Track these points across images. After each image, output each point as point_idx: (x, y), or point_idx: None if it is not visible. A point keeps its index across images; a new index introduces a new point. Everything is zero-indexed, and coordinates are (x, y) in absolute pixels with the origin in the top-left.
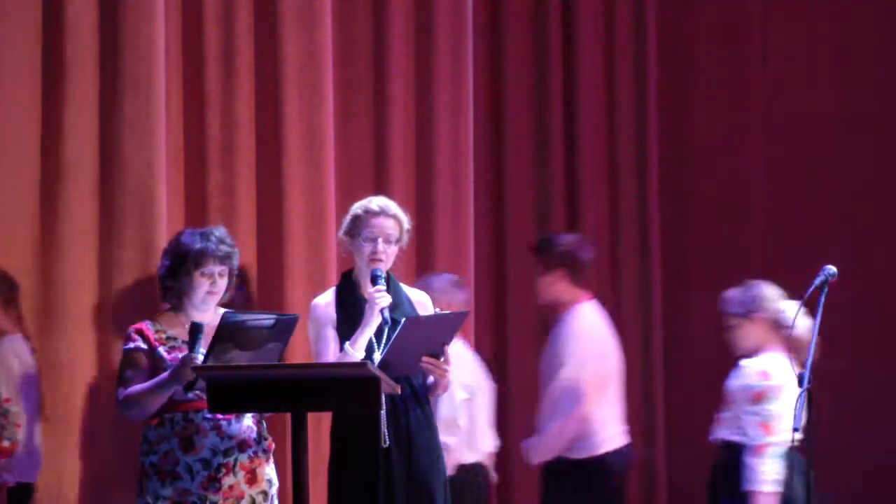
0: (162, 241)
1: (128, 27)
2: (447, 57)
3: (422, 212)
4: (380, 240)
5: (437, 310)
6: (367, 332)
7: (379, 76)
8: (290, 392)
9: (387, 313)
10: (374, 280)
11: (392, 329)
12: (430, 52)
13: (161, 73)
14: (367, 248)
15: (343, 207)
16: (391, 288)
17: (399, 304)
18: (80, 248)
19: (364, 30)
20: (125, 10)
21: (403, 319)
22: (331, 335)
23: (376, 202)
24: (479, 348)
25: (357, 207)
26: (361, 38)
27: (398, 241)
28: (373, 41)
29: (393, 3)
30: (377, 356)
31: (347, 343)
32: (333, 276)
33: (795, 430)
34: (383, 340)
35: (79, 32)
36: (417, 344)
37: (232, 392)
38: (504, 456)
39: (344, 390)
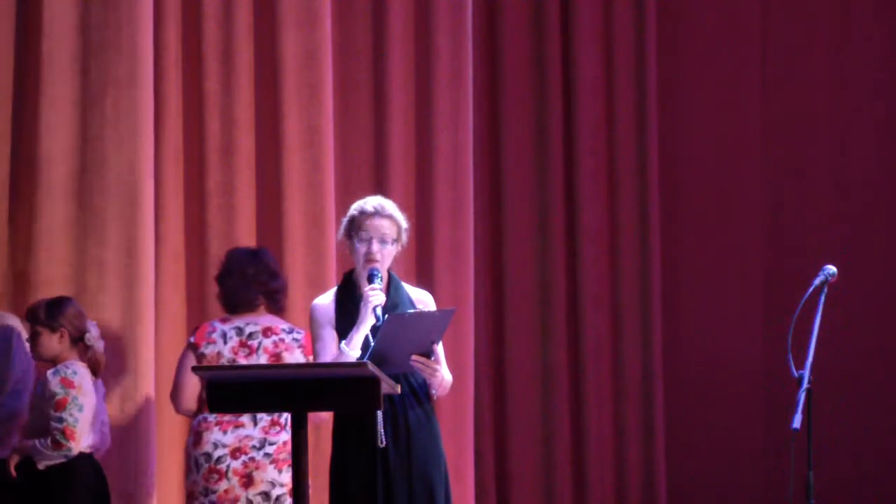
0: (148, 240)
1: (110, 26)
2: (447, 57)
3: (422, 212)
4: (374, 240)
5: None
6: (361, 331)
7: (379, 76)
8: (290, 392)
9: (379, 311)
10: (371, 279)
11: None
12: (430, 53)
13: (148, 73)
14: (363, 249)
15: (343, 207)
16: (392, 288)
17: (400, 303)
18: (52, 246)
19: (364, 30)
20: (107, 9)
21: (386, 316)
22: (329, 335)
23: (371, 203)
24: (478, 348)
25: (353, 209)
26: (361, 38)
27: (395, 240)
28: (372, 41)
29: (392, 3)
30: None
31: (343, 342)
32: (333, 276)
33: (795, 429)
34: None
35: (56, 31)
36: (405, 342)
37: (232, 392)
38: (504, 455)
39: (344, 390)
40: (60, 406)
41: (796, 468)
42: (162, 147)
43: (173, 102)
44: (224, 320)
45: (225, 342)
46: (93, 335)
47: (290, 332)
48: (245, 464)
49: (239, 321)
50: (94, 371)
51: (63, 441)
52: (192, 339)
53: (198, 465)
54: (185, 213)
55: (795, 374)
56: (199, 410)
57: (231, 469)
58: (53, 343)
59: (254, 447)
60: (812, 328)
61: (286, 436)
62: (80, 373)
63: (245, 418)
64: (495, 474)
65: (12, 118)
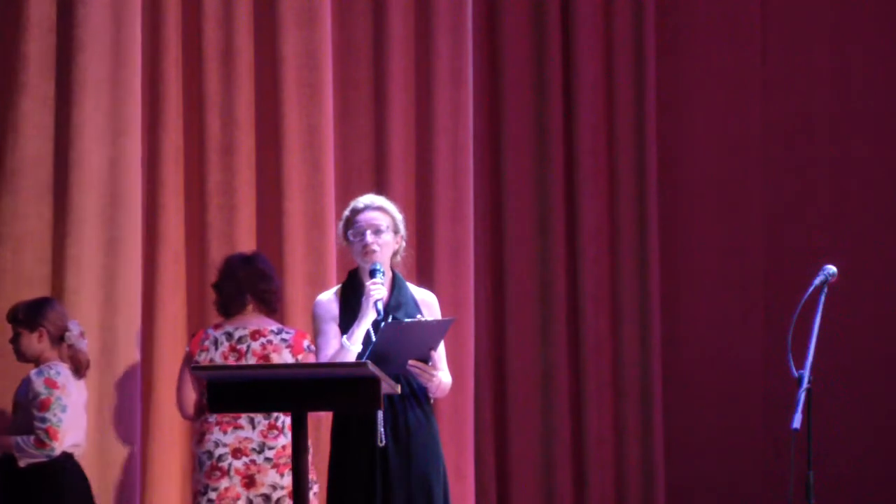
0: (132, 240)
1: (91, 26)
2: (447, 57)
3: (422, 212)
4: (368, 232)
5: (421, 315)
6: (363, 325)
7: (379, 76)
8: (290, 392)
9: (380, 305)
10: (373, 273)
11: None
12: (430, 53)
13: (133, 71)
14: (358, 243)
15: (343, 207)
16: (396, 287)
17: (404, 304)
18: (33, 244)
19: (364, 30)
20: (88, 7)
21: (383, 324)
22: (332, 331)
23: (362, 200)
24: (478, 348)
25: (346, 210)
26: (361, 38)
27: (391, 229)
28: (373, 41)
29: (393, 3)
30: None
31: (344, 337)
32: (333, 276)
33: (795, 429)
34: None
35: (37, 30)
36: (402, 348)
37: (232, 392)
38: (504, 455)
39: (344, 390)
40: (44, 406)
41: (796, 468)
42: (161, 147)
43: (173, 102)
44: (217, 326)
45: (216, 348)
46: (73, 334)
47: (279, 332)
48: (247, 465)
49: (229, 326)
50: (77, 370)
51: (47, 441)
52: (187, 349)
53: (200, 464)
54: (185, 213)
55: (795, 374)
56: (200, 414)
57: (233, 468)
58: (33, 343)
59: (253, 450)
60: (812, 328)
61: (284, 440)
62: (63, 373)
63: (243, 420)
64: (495, 474)
65: None
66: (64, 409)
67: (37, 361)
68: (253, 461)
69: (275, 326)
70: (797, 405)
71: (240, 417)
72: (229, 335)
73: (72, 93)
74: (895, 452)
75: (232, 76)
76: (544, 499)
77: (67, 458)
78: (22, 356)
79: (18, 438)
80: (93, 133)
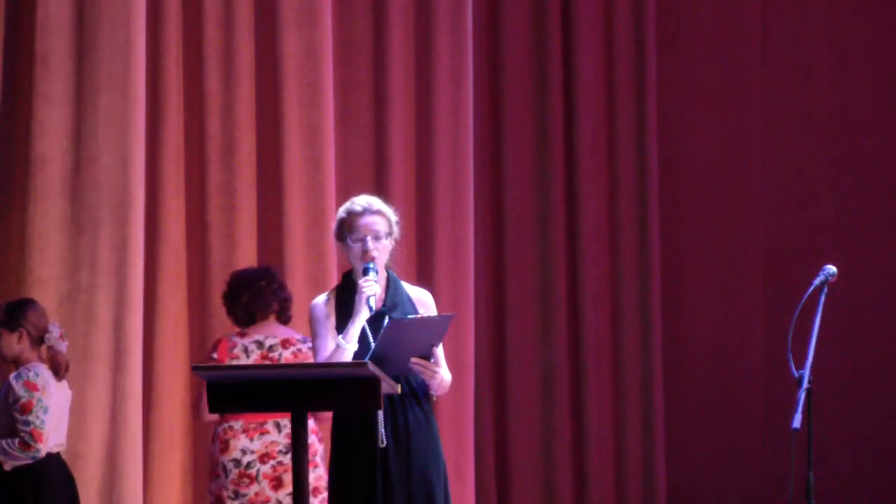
0: (138, 238)
1: (104, 25)
2: (447, 57)
3: (422, 212)
4: (368, 238)
5: (421, 312)
6: (357, 323)
7: (379, 76)
8: (290, 392)
9: (373, 302)
10: (365, 271)
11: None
12: (430, 53)
13: (140, 72)
14: (357, 248)
15: None
16: (391, 287)
17: (399, 303)
18: (46, 244)
19: (364, 30)
20: (101, 7)
21: (386, 321)
22: (328, 332)
23: (358, 202)
24: (478, 348)
25: (341, 211)
26: (361, 38)
27: (388, 234)
28: (373, 41)
29: (393, 3)
30: (372, 343)
31: (340, 336)
32: (333, 277)
33: (795, 429)
34: (379, 333)
35: (50, 29)
36: (404, 345)
37: (232, 392)
38: (504, 455)
39: (344, 390)
40: (26, 409)
41: (796, 468)
42: (162, 147)
43: (174, 102)
44: (242, 335)
45: (247, 356)
46: (53, 336)
47: (305, 341)
48: (274, 468)
49: (257, 335)
50: (56, 372)
51: (31, 443)
52: (214, 356)
53: (226, 471)
54: (186, 213)
55: (795, 374)
56: (222, 419)
57: (261, 473)
58: (13, 343)
59: (280, 452)
60: (812, 328)
61: (310, 438)
62: (41, 374)
63: (269, 425)
64: (495, 474)
65: (5, 117)
66: (46, 411)
67: (16, 362)
68: (280, 462)
69: (299, 335)
70: (797, 405)
71: (266, 422)
72: (260, 343)
73: (84, 93)
74: (895, 452)
75: (232, 76)
76: (544, 499)
77: (52, 458)
78: (1, 357)
79: (2, 442)
80: (105, 133)
